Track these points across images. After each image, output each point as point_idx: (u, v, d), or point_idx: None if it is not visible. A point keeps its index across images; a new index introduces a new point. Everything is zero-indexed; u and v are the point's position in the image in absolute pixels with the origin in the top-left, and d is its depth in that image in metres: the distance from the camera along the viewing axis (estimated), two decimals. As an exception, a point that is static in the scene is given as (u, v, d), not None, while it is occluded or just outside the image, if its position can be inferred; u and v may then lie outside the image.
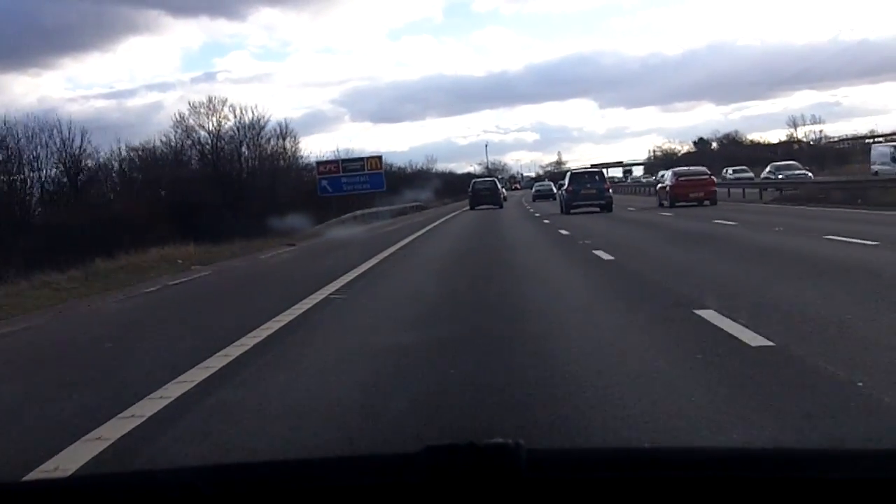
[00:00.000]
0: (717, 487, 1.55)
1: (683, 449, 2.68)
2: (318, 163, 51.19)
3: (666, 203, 36.72)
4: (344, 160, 50.83)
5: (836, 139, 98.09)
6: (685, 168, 41.92)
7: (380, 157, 50.18)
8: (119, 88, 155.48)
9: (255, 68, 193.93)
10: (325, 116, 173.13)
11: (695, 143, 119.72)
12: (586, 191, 35.71)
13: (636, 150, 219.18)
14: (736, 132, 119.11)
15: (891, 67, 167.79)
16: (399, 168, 78.81)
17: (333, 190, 48.13)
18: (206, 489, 1.62)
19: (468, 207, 50.71)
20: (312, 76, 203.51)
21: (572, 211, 35.18)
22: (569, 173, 40.86)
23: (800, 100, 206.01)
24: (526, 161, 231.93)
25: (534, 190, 73.11)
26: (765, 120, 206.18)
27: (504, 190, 66.58)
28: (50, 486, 2.12)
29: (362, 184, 48.28)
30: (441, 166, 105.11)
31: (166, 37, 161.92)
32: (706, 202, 35.14)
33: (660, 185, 41.85)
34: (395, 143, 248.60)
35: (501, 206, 50.52)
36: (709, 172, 38.80)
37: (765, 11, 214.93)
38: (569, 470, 1.62)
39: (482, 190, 52.21)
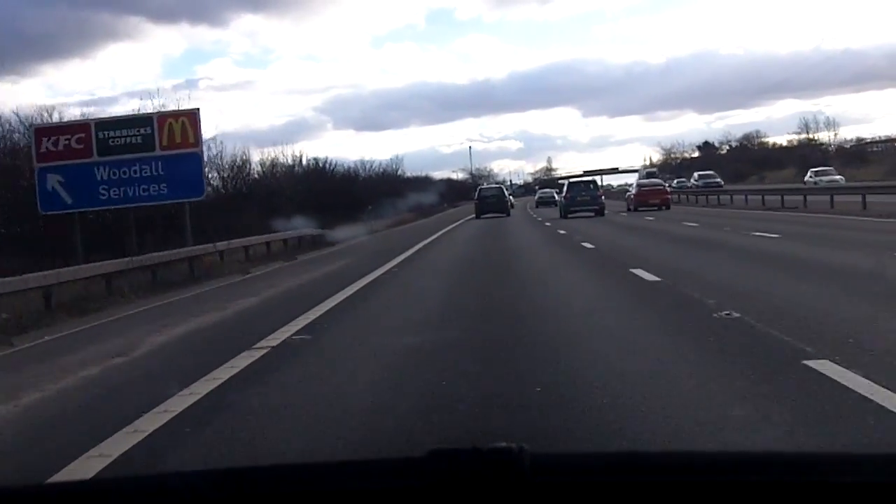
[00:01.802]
0: (721, 492, 1.59)
1: (688, 453, 2.67)
2: (39, 130, 24.57)
3: (632, 208, 45.58)
4: (101, 122, 24.29)
5: (868, 140, 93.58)
6: (646, 180, 54.37)
7: (194, 114, 24.09)
8: (100, 96, 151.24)
9: (237, 75, 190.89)
10: (308, 124, 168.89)
11: (699, 147, 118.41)
12: (582, 198, 41.73)
13: (620, 159, 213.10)
14: (757, 131, 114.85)
15: (873, 76, 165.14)
16: (346, 170, 57.51)
17: (77, 200, 23.23)
18: (212, 493, 1.70)
19: (473, 216, 49.45)
20: (295, 83, 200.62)
21: (569, 215, 40.48)
22: (566, 182, 47.92)
23: (782, 109, 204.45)
24: (511, 168, 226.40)
25: (536, 196, 78.46)
26: (748, 129, 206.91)
27: (511, 197, 65.13)
28: (62, 489, 2.14)
29: (151, 183, 23.27)
30: (416, 172, 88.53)
31: (147, 43, 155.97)
32: (662, 207, 44.04)
33: (627, 194, 51.77)
34: (379, 151, 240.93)
35: (508, 214, 49.69)
36: (664, 184, 50.16)
37: (749, 20, 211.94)
38: (573, 474, 1.65)
39: (488, 197, 51.43)
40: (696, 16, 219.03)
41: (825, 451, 3.39)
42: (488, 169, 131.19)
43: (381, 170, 67.96)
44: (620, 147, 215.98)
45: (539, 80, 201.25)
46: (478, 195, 53.30)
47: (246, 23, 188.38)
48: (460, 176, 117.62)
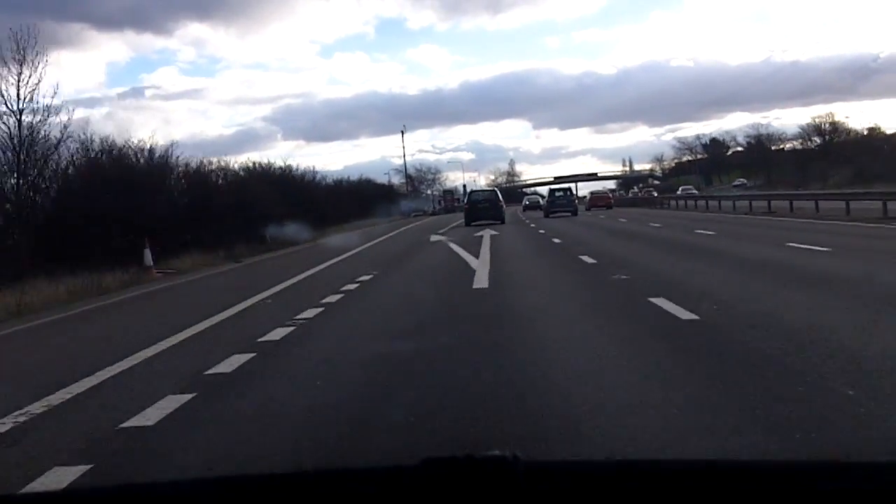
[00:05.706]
0: (715, 499, 1.60)
1: (684, 461, 2.62)
2: None
3: (588, 208, 65.26)
4: None
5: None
6: (597, 189, 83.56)
7: None
8: (44, 104, 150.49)
9: (184, 84, 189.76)
10: (256, 134, 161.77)
11: (704, 146, 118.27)
12: (560, 202, 54.79)
13: (571, 171, 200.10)
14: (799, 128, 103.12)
15: (822, 90, 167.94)
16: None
17: None
18: (203, 501, 1.71)
19: (463, 223, 45.16)
20: (244, 93, 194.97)
21: (550, 215, 52.09)
22: (549, 189, 62.86)
23: (732, 122, 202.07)
24: (462, 180, 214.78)
25: (524, 202, 78.60)
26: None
27: (502, 202, 59.61)
28: (46, 499, 2.14)
29: None
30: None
31: (91, 52, 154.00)
32: (606, 209, 64.01)
33: (585, 199, 73.44)
34: (329, 161, 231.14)
35: (503, 222, 44.49)
36: (608, 191, 78.44)
37: (699, 32, 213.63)
38: (567, 482, 1.66)
39: (480, 202, 47.30)
40: (647, 27, 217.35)
41: (820, 459, 3.47)
42: (436, 171, 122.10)
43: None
44: (571, 160, 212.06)
45: (491, 91, 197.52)
46: (468, 200, 50.76)
47: (192, 31, 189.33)
48: (395, 179, 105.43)
